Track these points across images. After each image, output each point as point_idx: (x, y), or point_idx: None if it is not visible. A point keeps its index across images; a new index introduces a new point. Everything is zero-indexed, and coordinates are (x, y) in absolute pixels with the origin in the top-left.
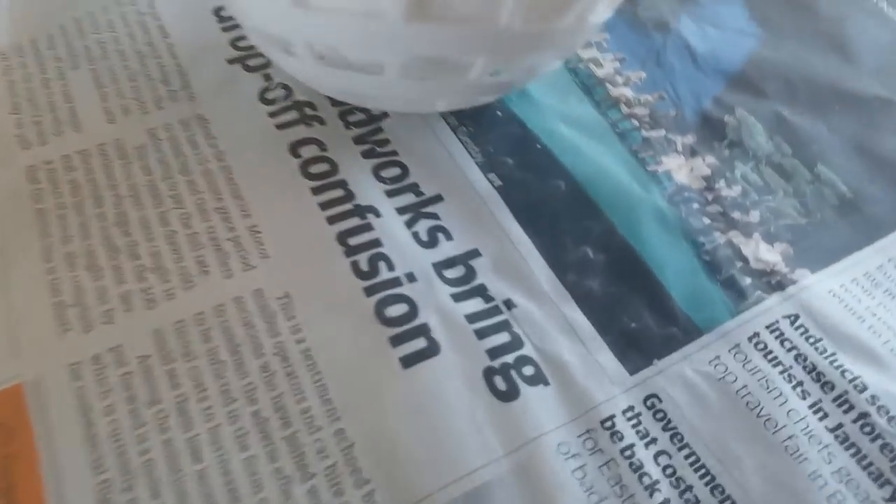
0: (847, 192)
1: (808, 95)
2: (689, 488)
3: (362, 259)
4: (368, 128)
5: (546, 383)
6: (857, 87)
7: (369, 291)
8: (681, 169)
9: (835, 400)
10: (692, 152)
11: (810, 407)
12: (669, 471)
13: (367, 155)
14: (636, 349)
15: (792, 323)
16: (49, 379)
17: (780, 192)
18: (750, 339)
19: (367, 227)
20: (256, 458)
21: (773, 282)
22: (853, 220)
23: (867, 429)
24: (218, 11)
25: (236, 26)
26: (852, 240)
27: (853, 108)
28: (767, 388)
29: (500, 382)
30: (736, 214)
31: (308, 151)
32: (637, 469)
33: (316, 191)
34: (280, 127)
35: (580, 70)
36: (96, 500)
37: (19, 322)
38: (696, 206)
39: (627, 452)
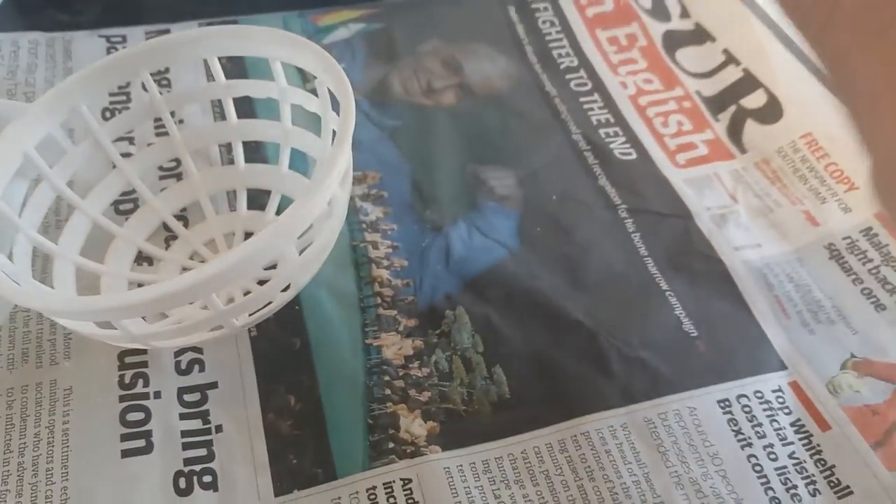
0: (507, 394)
1: (521, 307)
2: None
3: (128, 374)
4: None
5: (216, 490)
6: (565, 309)
7: (123, 399)
8: (392, 346)
9: None
10: (408, 334)
11: None
12: None
13: None
14: (288, 480)
15: (405, 485)
16: None
17: (458, 381)
18: (368, 490)
19: (144, 351)
20: None
21: (409, 451)
22: (497, 418)
23: None
24: None
25: None
26: (486, 432)
27: (550, 326)
28: None
29: (182, 482)
30: (412, 392)
31: None
32: None
33: None
34: None
35: (359, 248)
36: None
37: None
38: (386, 378)
39: None
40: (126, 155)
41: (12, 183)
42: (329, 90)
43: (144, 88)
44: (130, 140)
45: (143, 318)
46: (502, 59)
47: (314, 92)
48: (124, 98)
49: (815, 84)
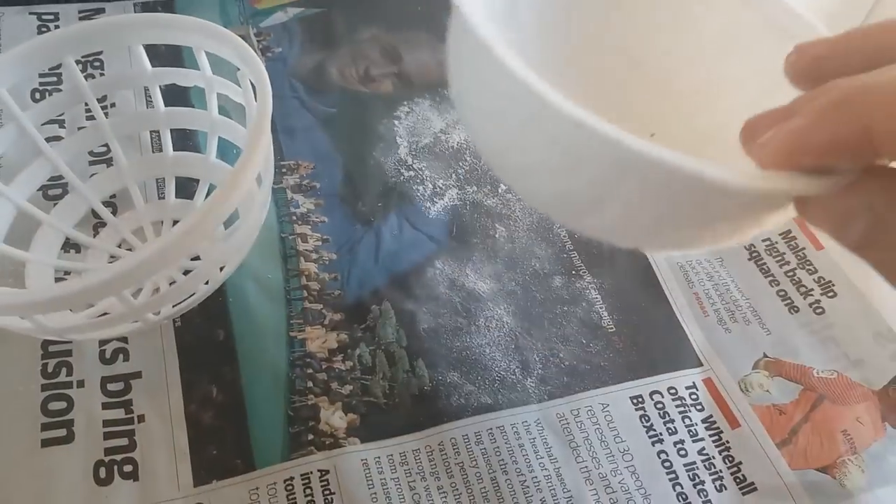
0: (427, 386)
1: (446, 303)
2: None
3: (50, 363)
4: None
5: (135, 479)
6: (488, 305)
7: (45, 389)
8: (316, 339)
9: None
10: (333, 328)
11: None
12: None
13: None
14: (208, 470)
15: (321, 476)
16: None
17: (380, 374)
18: (286, 482)
19: (69, 343)
20: None
21: (328, 442)
22: (416, 410)
23: None
24: None
25: None
26: (406, 424)
27: (473, 322)
28: None
29: (102, 472)
30: (334, 385)
31: None
32: None
33: None
34: None
35: (287, 240)
36: None
37: None
38: (309, 370)
39: None
40: (55, 139)
41: None
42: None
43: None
44: (61, 123)
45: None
46: (440, 49)
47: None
48: (55, 79)
49: None
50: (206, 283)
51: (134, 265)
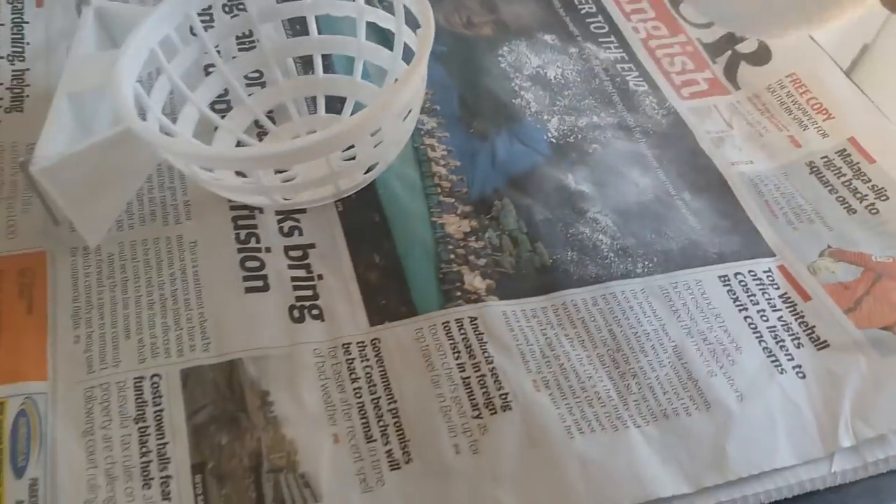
0: (548, 262)
1: (555, 201)
2: (375, 387)
3: (241, 233)
4: None
5: (322, 320)
6: (590, 209)
7: (241, 251)
8: (452, 224)
9: (472, 364)
10: (464, 216)
11: (457, 363)
12: (367, 372)
13: None
14: (379, 313)
15: (472, 321)
16: (59, 252)
17: (507, 252)
18: (444, 323)
19: (253, 218)
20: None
21: (473, 297)
22: (541, 279)
23: (482, 380)
24: None
25: None
26: (533, 289)
27: (580, 219)
28: (439, 349)
29: (295, 313)
30: (471, 257)
31: None
32: (351, 368)
33: None
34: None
35: (420, 149)
36: (73, 313)
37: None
38: (450, 246)
39: (348, 360)
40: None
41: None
42: (405, 6)
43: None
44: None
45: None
46: (531, 3)
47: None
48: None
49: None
50: (373, 168)
51: (343, 130)
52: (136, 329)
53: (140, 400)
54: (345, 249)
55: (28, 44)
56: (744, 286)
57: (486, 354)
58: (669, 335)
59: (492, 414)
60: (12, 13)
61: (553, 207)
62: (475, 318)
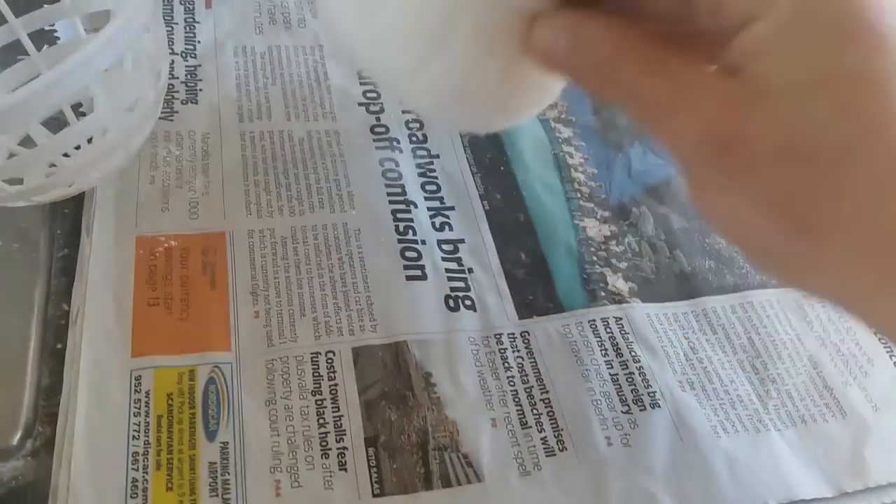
0: (687, 269)
1: (691, 212)
2: (527, 377)
3: (400, 225)
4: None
5: (475, 311)
6: None
7: (400, 241)
8: (592, 228)
9: (619, 361)
10: (604, 220)
11: (604, 360)
12: (519, 363)
13: (421, 175)
14: (527, 308)
15: (617, 321)
16: (238, 233)
17: (647, 258)
18: (590, 321)
19: (409, 213)
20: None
21: (617, 298)
22: (680, 285)
23: (630, 378)
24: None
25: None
26: (674, 294)
27: None
28: (586, 345)
29: (451, 303)
30: (613, 260)
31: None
32: (504, 357)
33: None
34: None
35: (559, 156)
36: (251, 290)
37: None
38: (592, 249)
39: (501, 349)
40: None
41: None
42: None
43: None
44: None
45: None
46: None
47: None
48: None
49: None
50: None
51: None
52: (311, 307)
53: (316, 374)
54: (492, 246)
55: (199, 42)
56: None
57: (632, 353)
58: (805, 345)
59: (641, 410)
60: (185, 13)
61: (689, 217)
62: (620, 319)
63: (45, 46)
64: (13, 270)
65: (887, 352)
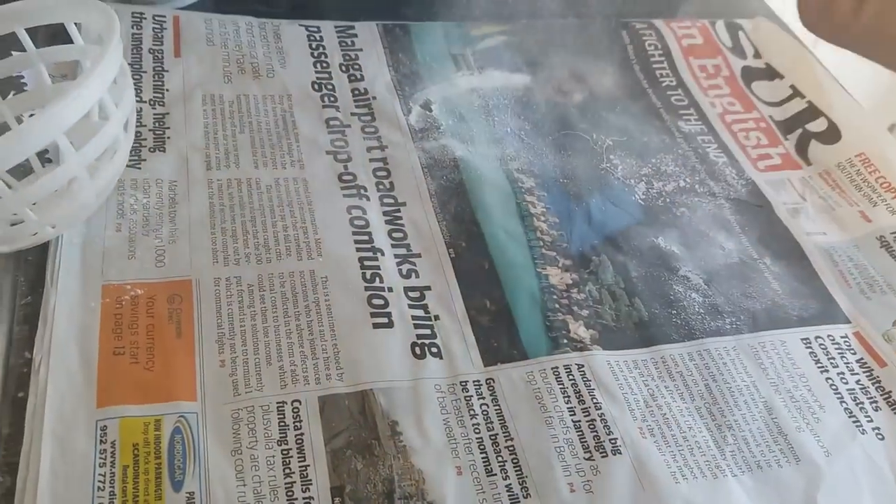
0: (645, 317)
1: (649, 260)
2: (492, 424)
3: (367, 272)
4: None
5: (441, 357)
6: (681, 269)
7: (367, 289)
8: (555, 276)
9: (581, 409)
10: (566, 269)
11: (567, 406)
12: (484, 410)
13: (388, 222)
14: (492, 354)
15: (579, 368)
16: (204, 281)
17: (607, 305)
18: (553, 368)
19: (377, 260)
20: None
21: (579, 346)
22: (640, 333)
23: (592, 424)
24: None
25: None
26: (633, 342)
27: (671, 277)
28: (549, 392)
29: (417, 350)
30: (575, 308)
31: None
32: (469, 405)
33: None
34: None
35: (522, 205)
36: (217, 339)
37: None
38: (555, 296)
39: (466, 396)
40: None
41: None
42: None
43: None
44: None
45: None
46: (616, 73)
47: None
48: None
49: (866, 114)
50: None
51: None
52: (277, 356)
53: (282, 423)
54: (458, 292)
55: (167, 90)
56: (824, 349)
57: (594, 400)
58: (760, 391)
59: (602, 457)
60: (154, 62)
61: (647, 265)
62: (582, 366)
63: (12, 93)
64: None
65: (837, 398)
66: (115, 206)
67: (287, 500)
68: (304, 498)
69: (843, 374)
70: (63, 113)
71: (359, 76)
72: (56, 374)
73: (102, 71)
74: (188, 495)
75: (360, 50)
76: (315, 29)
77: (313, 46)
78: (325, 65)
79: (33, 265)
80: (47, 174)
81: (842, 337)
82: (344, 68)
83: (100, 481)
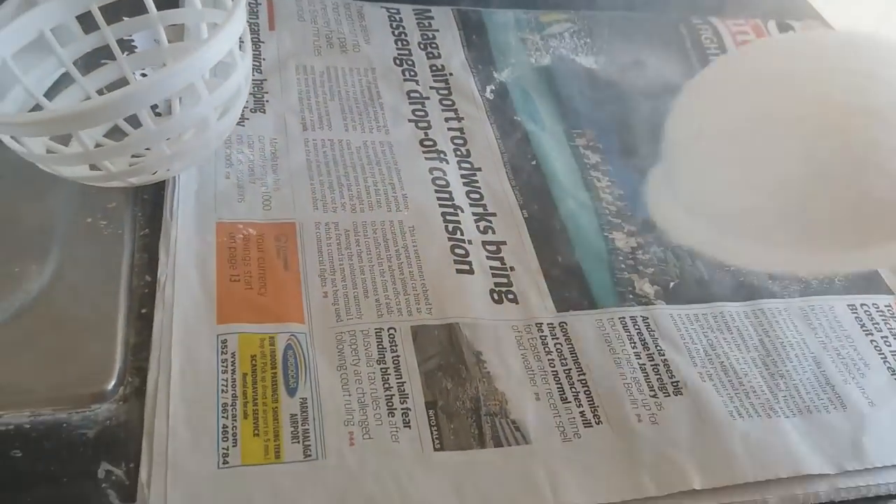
0: (705, 275)
1: None
2: (565, 360)
3: (449, 226)
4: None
5: (517, 303)
6: None
7: (450, 240)
8: (621, 239)
9: (646, 354)
10: (631, 234)
11: (633, 351)
12: (558, 348)
13: (466, 184)
14: (564, 303)
15: (644, 320)
16: (306, 224)
17: (671, 264)
18: (620, 318)
19: (457, 216)
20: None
21: (643, 300)
22: (701, 290)
23: (656, 368)
24: None
25: None
26: (695, 297)
27: None
28: (617, 338)
29: (495, 296)
30: (640, 267)
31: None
32: (544, 343)
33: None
34: None
35: (588, 179)
36: (320, 273)
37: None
38: (621, 258)
39: (542, 336)
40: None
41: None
42: None
43: None
44: None
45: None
46: (675, 62)
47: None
48: None
49: None
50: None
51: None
52: (373, 290)
53: (380, 346)
54: (531, 248)
55: (264, 59)
56: (868, 315)
57: (658, 348)
58: (809, 347)
59: (665, 396)
60: (251, 33)
61: None
62: (647, 318)
63: (125, 53)
64: (102, 245)
65: (881, 357)
66: (223, 158)
67: (388, 409)
68: (402, 408)
69: (886, 337)
70: (206, 55)
71: (436, 54)
72: (181, 293)
73: (234, 23)
74: (301, 400)
75: (437, 31)
76: (395, 11)
77: (394, 26)
78: (405, 42)
79: (150, 203)
80: (184, 112)
81: (886, 306)
82: (422, 46)
83: (223, 384)
